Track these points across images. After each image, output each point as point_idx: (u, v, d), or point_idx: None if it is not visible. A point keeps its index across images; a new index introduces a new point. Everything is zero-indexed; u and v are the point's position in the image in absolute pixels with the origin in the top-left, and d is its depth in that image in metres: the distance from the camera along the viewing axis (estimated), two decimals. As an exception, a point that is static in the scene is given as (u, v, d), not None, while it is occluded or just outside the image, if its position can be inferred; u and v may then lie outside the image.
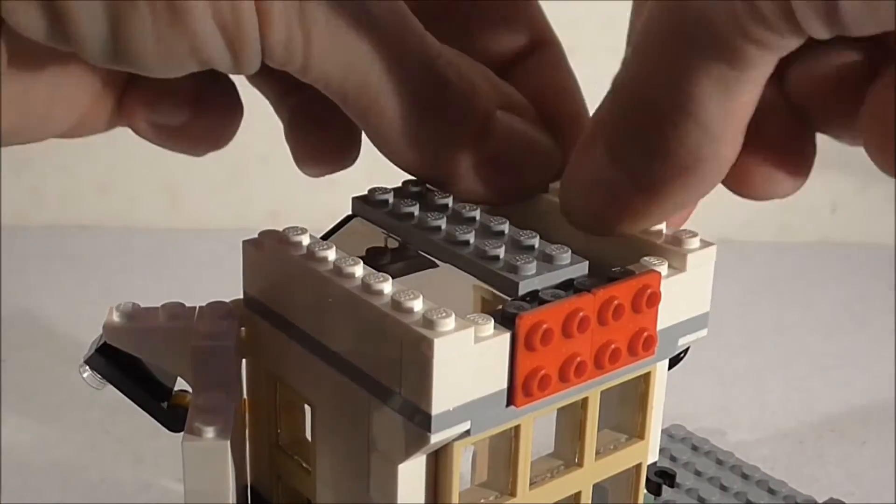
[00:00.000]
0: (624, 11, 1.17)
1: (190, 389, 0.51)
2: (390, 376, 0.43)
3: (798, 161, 0.47)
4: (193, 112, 0.51)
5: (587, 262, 0.47)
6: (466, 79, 0.47)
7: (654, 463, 0.54)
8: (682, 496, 0.66)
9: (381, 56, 0.44)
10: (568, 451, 0.50)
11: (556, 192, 0.54)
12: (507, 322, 0.42)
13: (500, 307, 0.43)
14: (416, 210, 0.53)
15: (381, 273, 0.44)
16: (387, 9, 0.44)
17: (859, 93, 0.44)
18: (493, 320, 0.42)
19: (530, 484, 0.48)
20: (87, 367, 0.52)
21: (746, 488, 0.67)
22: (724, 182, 0.46)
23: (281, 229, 0.49)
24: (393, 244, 0.53)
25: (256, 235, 0.50)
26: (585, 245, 0.52)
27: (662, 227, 0.50)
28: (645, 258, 0.47)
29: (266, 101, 1.13)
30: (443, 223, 0.51)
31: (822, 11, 0.36)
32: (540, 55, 0.54)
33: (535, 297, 0.45)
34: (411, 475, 0.45)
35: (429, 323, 0.41)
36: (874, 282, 1.12)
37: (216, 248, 1.08)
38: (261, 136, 1.15)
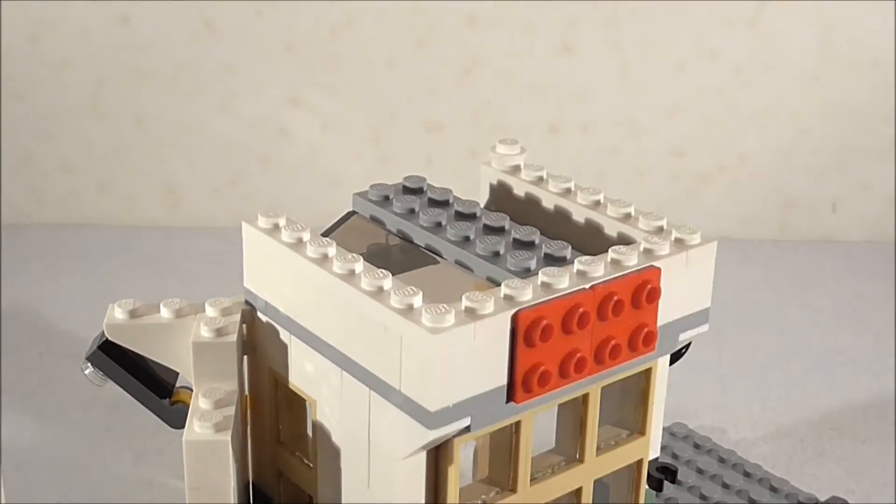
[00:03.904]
0: (624, 12, 1.18)
1: (191, 386, 0.51)
2: (390, 372, 0.43)
3: None
4: None
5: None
6: None
7: (656, 459, 0.54)
8: (685, 494, 0.66)
9: None
10: (569, 447, 0.50)
11: (556, 188, 0.54)
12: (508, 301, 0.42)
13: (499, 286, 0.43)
14: (416, 206, 0.53)
15: (381, 269, 0.44)
16: None
17: None
18: (492, 316, 0.42)
19: (531, 480, 0.48)
20: (89, 364, 0.53)
21: (749, 486, 0.67)
22: None
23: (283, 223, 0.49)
24: (393, 240, 0.53)
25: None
26: (585, 241, 0.52)
27: (663, 222, 0.50)
28: (614, 247, 0.47)
29: (266, 102, 1.14)
30: (443, 219, 0.51)
31: None
32: None
33: (530, 269, 0.46)
34: (411, 471, 0.45)
35: (428, 319, 0.41)
36: (875, 280, 1.12)
37: (216, 247, 1.08)
38: (261, 136, 1.15)
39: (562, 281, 0.44)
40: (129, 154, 1.15)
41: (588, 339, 0.44)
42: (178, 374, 0.53)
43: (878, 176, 1.19)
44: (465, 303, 0.42)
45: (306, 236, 0.48)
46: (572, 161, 1.16)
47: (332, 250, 0.46)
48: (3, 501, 0.58)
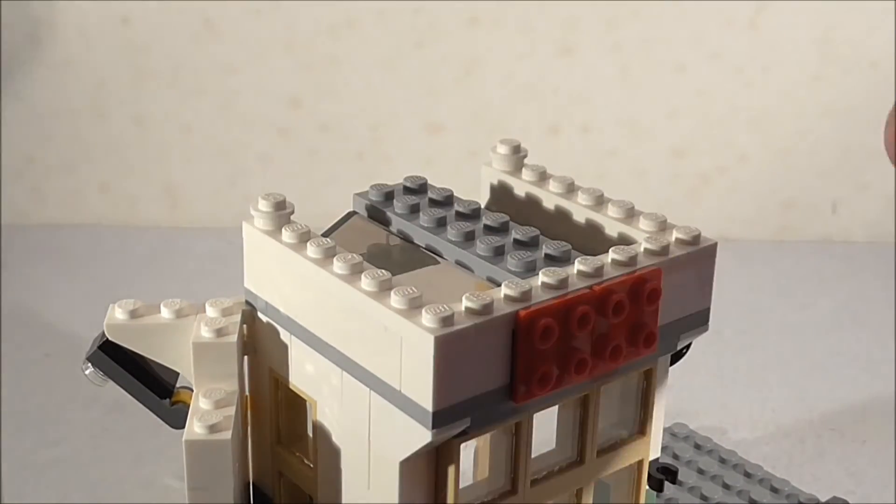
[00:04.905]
0: (624, 12, 1.18)
1: (191, 386, 0.51)
2: (390, 373, 0.43)
3: None
4: None
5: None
6: None
7: (657, 459, 0.54)
8: (685, 495, 0.66)
9: None
10: (569, 448, 0.50)
11: (557, 188, 0.54)
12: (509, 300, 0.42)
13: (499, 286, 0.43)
14: (417, 206, 0.53)
15: (381, 269, 0.44)
16: None
17: None
18: (493, 316, 0.42)
19: (531, 481, 0.48)
20: (89, 364, 0.53)
21: (749, 487, 0.67)
22: None
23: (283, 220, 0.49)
24: (394, 241, 0.53)
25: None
26: (586, 241, 0.52)
27: (664, 223, 0.50)
28: (615, 247, 0.47)
29: (267, 100, 1.14)
30: (444, 219, 0.51)
31: None
32: None
33: (531, 269, 0.46)
34: (411, 472, 0.45)
35: (429, 319, 0.41)
36: (875, 281, 1.12)
37: (217, 247, 1.08)
38: (261, 136, 1.15)
39: (562, 281, 0.44)
40: (129, 154, 1.15)
41: (588, 340, 0.44)
42: (178, 374, 0.53)
43: (878, 176, 1.19)
44: (465, 303, 0.42)
45: (306, 237, 0.48)
46: (573, 161, 1.16)
47: (332, 250, 0.46)
48: (3, 501, 0.58)
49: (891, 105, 1.15)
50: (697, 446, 0.71)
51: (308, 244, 0.47)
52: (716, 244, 0.49)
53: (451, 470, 0.45)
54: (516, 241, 0.49)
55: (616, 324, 0.45)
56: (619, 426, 0.52)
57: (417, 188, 0.54)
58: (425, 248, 0.51)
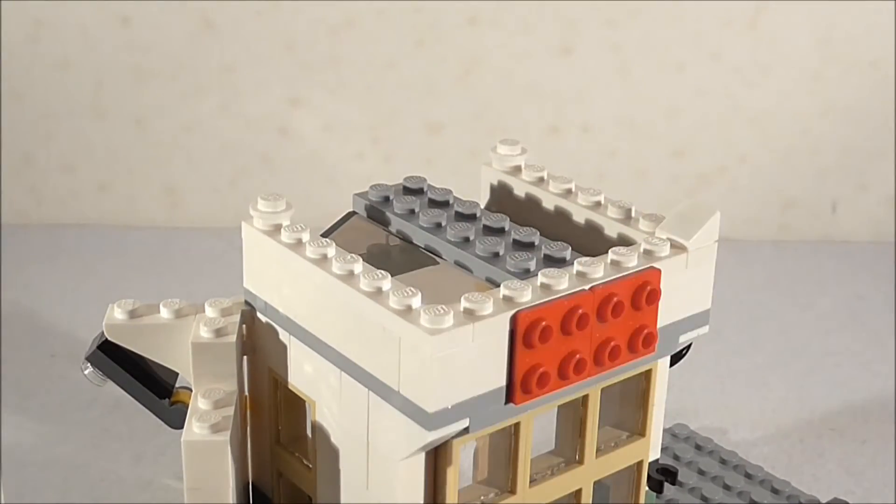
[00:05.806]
0: (624, 12, 1.18)
1: (191, 386, 0.51)
2: (388, 373, 0.43)
3: None
4: None
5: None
6: None
7: (656, 460, 0.54)
8: (686, 495, 0.66)
9: None
10: (568, 449, 0.50)
11: (557, 189, 0.54)
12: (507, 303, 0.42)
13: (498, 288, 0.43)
14: (416, 207, 0.53)
15: (380, 270, 0.44)
16: None
17: None
18: (491, 317, 0.42)
19: (530, 481, 0.48)
20: (88, 364, 0.53)
21: (750, 488, 0.67)
22: None
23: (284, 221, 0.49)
24: (393, 241, 0.53)
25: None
26: (585, 243, 0.52)
27: (664, 223, 0.50)
28: (614, 248, 0.46)
29: (266, 102, 1.14)
30: (443, 220, 0.51)
31: None
32: None
33: (530, 270, 0.46)
34: (410, 472, 0.45)
35: (427, 320, 0.41)
36: (875, 281, 1.12)
37: (216, 247, 1.08)
38: (261, 136, 1.15)
39: (561, 282, 0.44)
40: (129, 154, 1.15)
41: (587, 341, 0.44)
42: (177, 374, 0.53)
43: (878, 176, 1.19)
44: (464, 304, 0.42)
45: (306, 237, 0.48)
46: (572, 161, 1.16)
47: (331, 251, 0.46)
48: (3, 501, 0.58)
49: (891, 105, 1.15)
50: (698, 447, 0.71)
51: (307, 244, 0.47)
52: (715, 244, 0.49)
53: (449, 470, 0.45)
54: (515, 242, 0.49)
55: (615, 325, 0.45)
56: (618, 427, 0.52)
57: (417, 188, 0.54)
58: (424, 249, 0.51)
